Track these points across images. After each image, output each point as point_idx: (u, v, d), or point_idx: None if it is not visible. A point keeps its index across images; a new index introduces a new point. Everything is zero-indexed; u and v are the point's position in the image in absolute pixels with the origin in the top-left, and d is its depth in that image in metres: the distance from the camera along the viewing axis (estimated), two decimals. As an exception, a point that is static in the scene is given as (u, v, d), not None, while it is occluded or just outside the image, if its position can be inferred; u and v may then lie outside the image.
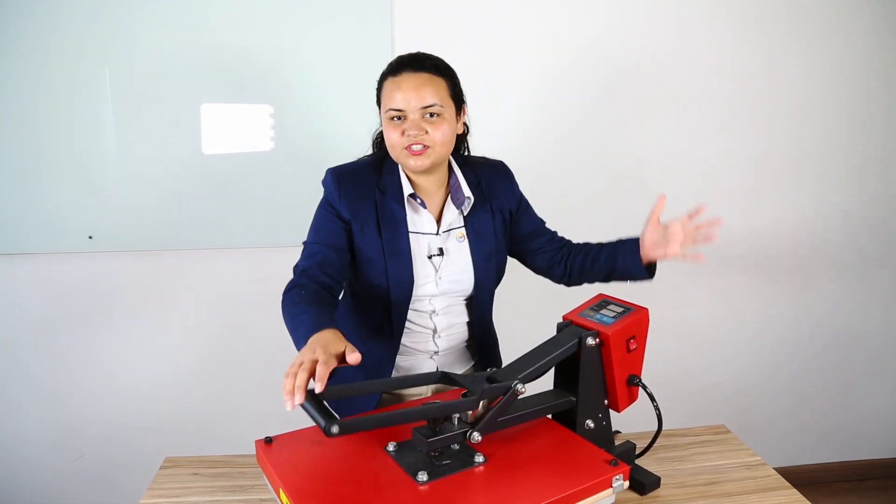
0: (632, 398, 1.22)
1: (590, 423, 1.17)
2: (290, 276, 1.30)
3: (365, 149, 1.46)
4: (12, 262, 2.10)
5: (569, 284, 1.51)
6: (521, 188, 1.48)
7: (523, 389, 1.06)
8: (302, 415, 0.98)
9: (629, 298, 1.24)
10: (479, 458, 1.01)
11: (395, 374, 1.44)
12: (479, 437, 1.02)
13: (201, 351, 2.25)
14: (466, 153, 1.48)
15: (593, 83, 2.23)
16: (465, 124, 1.41)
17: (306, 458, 1.04)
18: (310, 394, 0.96)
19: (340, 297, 1.40)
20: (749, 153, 2.35)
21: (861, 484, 2.67)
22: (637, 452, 1.26)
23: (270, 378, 2.17)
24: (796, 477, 1.76)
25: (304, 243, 1.34)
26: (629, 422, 1.32)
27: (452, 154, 1.39)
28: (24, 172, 2.02)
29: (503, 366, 1.19)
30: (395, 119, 1.27)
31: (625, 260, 1.38)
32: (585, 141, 2.26)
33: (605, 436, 1.19)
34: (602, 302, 1.25)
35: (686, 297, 2.44)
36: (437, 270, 1.36)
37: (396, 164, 1.36)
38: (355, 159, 1.41)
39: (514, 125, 2.21)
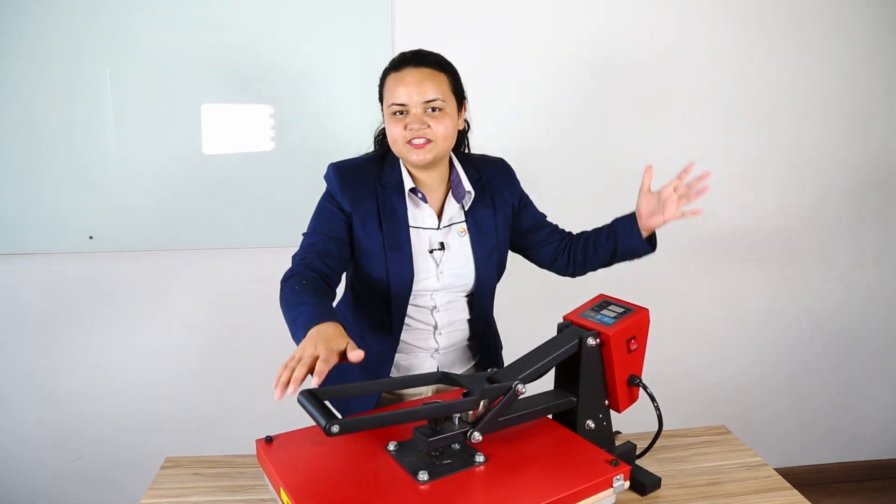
0: (632, 398, 1.22)
1: (590, 424, 1.17)
2: (290, 275, 1.30)
3: (366, 149, 1.47)
4: (12, 262, 2.10)
5: (574, 275, 1.52)
6: (522, 187, 1.49)
7: (524, 390, 1.06)
8: (302, 415, 0.97)
9: (629, 299, 1.24)
10: (480, 458, 1.01)
11: (394, 372, 1.45)
12: (480, 437, 1.02)
13: (201, 351, 2.25)
14: (467, 150, 1.49)
15: (593, 83, 2.23)
16: (465, 121, 1.43)
17: (307, 458, 1.03)
18: (310, 393, 0.96)
19: (340, 293, 1.40)
20: (749, 153, 2.35)
21: (860, 485, 2.67)
22: (638, 453, 1.26)
23: (270, 378, 2.16)
24: (796, 477, 1.76)
25: (304, 234, 1.35)
26: (630, 422, 1.32)
27: (453, 151, 1.40)
28: (24, 172, 2.02)
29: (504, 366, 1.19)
30: (398, 114, 1.29)
31: (625, 236, 1.40)
32: (586, 141, 2.26)
33: (605, 436, 1.19)
34: (603, 302, 1.24)
35: (686, 297, 2.44)
36: (437, 265, 1.36)
37: (398, 160, 1.36)
38: (357, 155, 1.42)
39: (515, 125, 2.21)
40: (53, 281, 2.13)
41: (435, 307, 1.39)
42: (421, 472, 0.96)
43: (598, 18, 2.18)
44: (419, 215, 1.36)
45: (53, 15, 1.94)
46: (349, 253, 1.35)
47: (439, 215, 1.38)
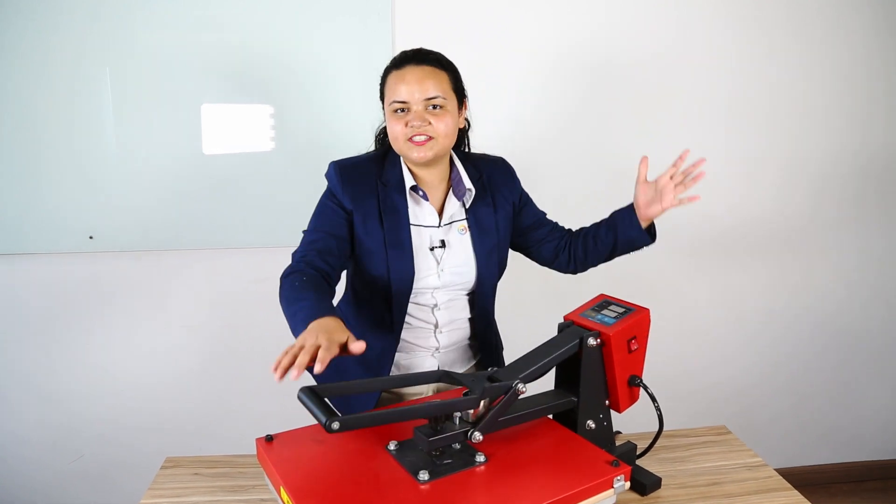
0: (633, 399, 1.22)
1: (591, 424, 1.17)
2: (290, 274, 1.30)
3: (366, 148, 1.47)
4: (12, 262, 2.10)
5: (576, 271, 1.53)
6: (521, 186, 1.50)
7: (524, 389, 1.06)
8: (302, 415, 0.97)
9: (630, 299, 1.24)
10: (481, 458, 1.01)
11: (395, 371, 1.45)
12: (481, 437, 1.02)
13: (201, 351, 2.24)
14: (467, 149, 1.50)
15: (593, 83, 2.23)
16: (466, 119, 1.43)
17: (307, 457, 1.03)
18: (311, 390, 0.95)
19: (340, 293, 1.40)
20: (749, 153, 2.35)
21: (860, 485, 2.67)
22: (638, 453, 1.26)
23: (270, 378, 2.16)
24: (796, 478, 1.76)
25: (304, 232, 1.35)
26: (630, 422, 1.32)
27: (454, 150, 1.40)
28: (24, 172, 2.02)
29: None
30: (399, 111, 1.29)
31: (624, 227, 1.41)
32: (586, 141, 2.26)
33: (606, 436, 1.19)
34: (603, 302, 1.24)
35: (686, 296, 2.44)
36: (438, 262, 1.37)
37: (399, 158, 1.37)
38: (358, 154, 1.42)
39: (515, 125, 2.21)
40: (53, 281, 2.13)
41: (436, 305, 1.39)
42: (421, 471, 0.96)
43: (598, 18, 2.18)
44: (420, 213, 1.37)
45: (53, 15, 1.94)
46: (349, 251, 1.35)
47: (440, 213, 1.39)
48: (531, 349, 1.16)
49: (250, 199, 2.12)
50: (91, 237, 2.09)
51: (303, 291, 1.17)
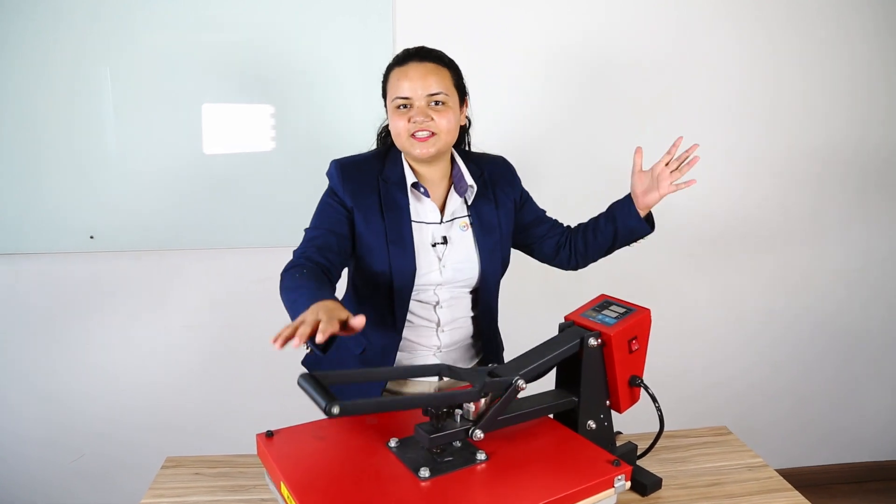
0: (633, 399, 1.22)
1: (591, 424, 1.17)
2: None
3: (367, 148, 1.47)
4: (12, 261, 2.10)
5: (577, 267, 1.54)
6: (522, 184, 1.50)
7: (524, 386, 1.06)
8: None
9: (630, 299, 1.24)
10: (481, 456, 1.01)
11: (396, 371, 1.44)
12: (482, 435, 1.02)
13: (201, 351, 2.24)
14: (468, 148, 1.50)
15: (593, 83, 2.23)
16: (467, 117, 1.44)
17: (308, 453, 1.03)
18: (311, 376, 0.95)
19: (340, 293, 1.39)
20: (749, 153, 2.35)
21: (861, 486, 2.67)
22: (639, 453, 1.26)
23: (270, 378, 2.17)
24: (796, 478, 1.76)
25: (306, 230, 1.35)
26: (631, 422, 1.32)
27: (455, 147, 1.41)
28: (24, 172, 2.02)
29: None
30: (401, 108, 1.30)
31: (623, 217, 1.43)
32: (586, 140, 2.26)
33: (606, 436, 1.19)
34: (604, 302, 1.24)
35: (686, 296, 2.44)
36: (440, 259, 1.37)
37: (400, 155, 1.38)
38: (359, 153, 1.42)
39: (515, 125, 2.21)
40: (53, 281, 2.13)
41: (438, 303, 1.39)
42: (422, 468, 0.96)
43: (598, 18, 2.19)
44: (421, 210, 1.37)
45: (53, 15, 1.94)
46: (350, 248, 1.36)
47: (441, 210, 1.39)
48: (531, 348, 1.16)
49: (251, 199, 2.12)
50: (91, 237, 2.09)
51: (302, 280, 1.17)
